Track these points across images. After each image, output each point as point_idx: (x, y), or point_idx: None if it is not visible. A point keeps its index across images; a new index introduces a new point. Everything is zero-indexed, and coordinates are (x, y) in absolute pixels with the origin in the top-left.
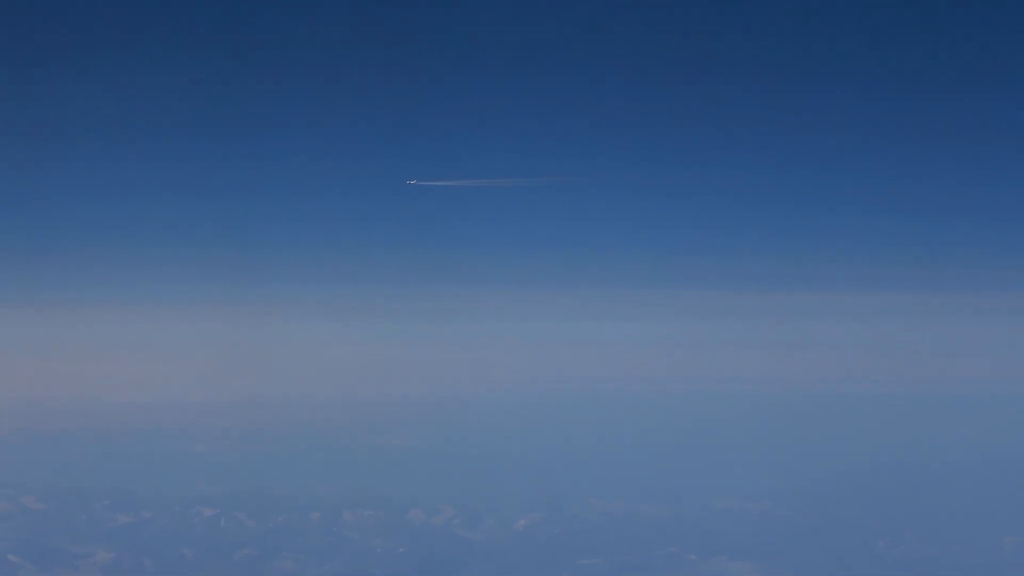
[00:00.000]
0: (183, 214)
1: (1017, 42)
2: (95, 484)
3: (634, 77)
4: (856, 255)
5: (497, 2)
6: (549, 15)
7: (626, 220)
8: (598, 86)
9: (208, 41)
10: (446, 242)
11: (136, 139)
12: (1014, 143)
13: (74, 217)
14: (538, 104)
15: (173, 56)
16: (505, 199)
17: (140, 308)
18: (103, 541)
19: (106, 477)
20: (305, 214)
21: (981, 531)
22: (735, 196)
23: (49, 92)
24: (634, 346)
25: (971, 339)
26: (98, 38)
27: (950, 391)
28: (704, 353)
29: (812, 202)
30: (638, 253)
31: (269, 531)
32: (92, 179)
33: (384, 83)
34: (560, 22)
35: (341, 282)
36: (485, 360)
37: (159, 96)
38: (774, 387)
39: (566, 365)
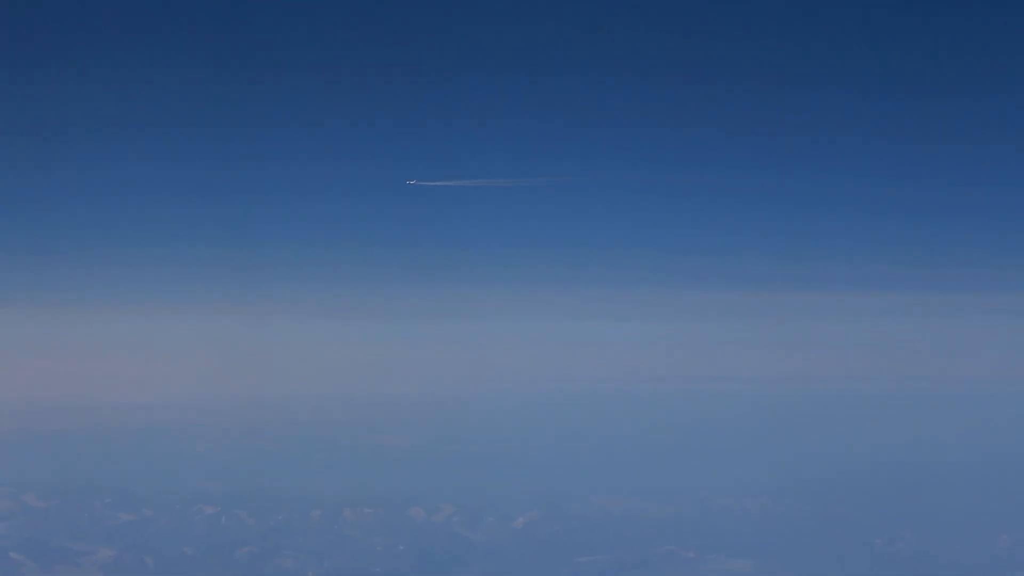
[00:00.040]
0: (184, 214)
1: (1017, 42)
2: (97, 482)
3: (634, 77)
4: (855, 255)
5: (497, 2)
6: (549, 15)
7: (626, 220)
8: (598, 86)
9: (209, 42)
10: (446, 242)
11: (137, 139)
12: (1014, 143)
13: (75, 217)
14: (538, 104)
15: (174, 57)
16: (505, 199)
17: (141, 308)
18: (105, 539)
19: (108, 475)
20: (305, 214)
21: (977, 529)
22: (735, 196)
23: (51, 93)
24: (633, 345)
25: (969, 339)
26: (99, 38)
27: (948, 390)
28: (702, 352)
29: (812, 202)
30: (637, 253)
31: (270, 529)
32: (94, 179)
33: (384, 83)
34: (560, 22)
35: (341, 282)
36: (485, 359)
37: (160, 97)
38: (772, 386)
39: (565, 364)
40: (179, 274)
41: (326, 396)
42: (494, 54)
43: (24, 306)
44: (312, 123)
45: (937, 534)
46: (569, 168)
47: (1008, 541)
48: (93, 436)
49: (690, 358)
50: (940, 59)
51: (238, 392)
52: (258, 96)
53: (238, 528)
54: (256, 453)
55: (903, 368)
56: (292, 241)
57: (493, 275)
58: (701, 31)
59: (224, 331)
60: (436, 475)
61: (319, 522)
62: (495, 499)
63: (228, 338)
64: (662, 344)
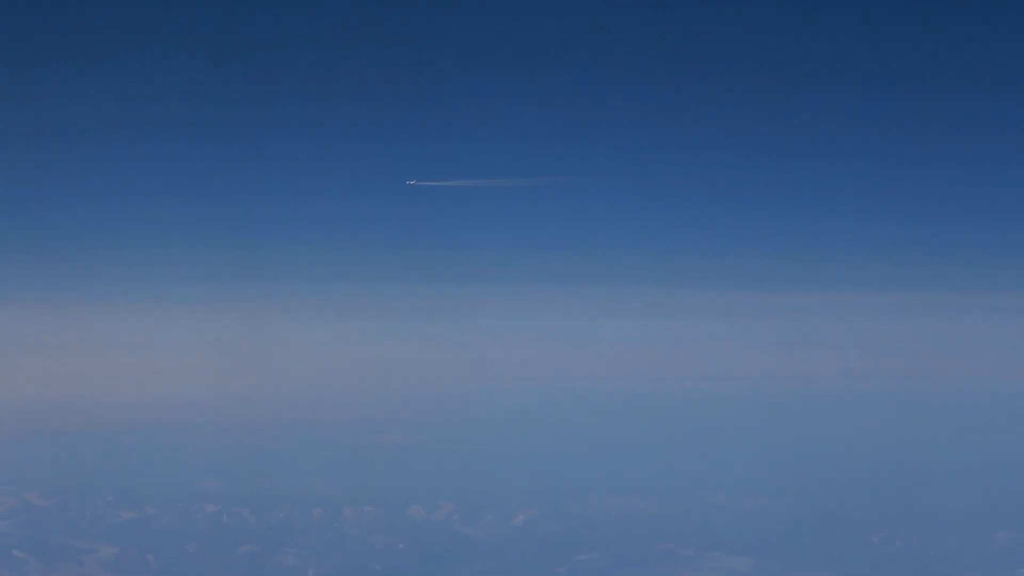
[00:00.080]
0: (185, 214)
1: (1017, 42)
2: (99, 481)
3: (633, 77)
4: (853, 255)
5: (497, 3)
6: (549, 16)
7: (625, 220)
8: (598, 86)
9: (209, 42)
10: (446, 242)
11: (139, 139)
12: (1014, 143)
13: (76, 217)
14: (538, 104)
15: (174, 57)
16: (505, 199)
17: (142, 307)
18: (107, 537)
19: (110, 474)
20: (305, 214)
21: (974, 527)
22: (735, 196)
23: (53, 94)
24: (631, 345)
25: (967, 339)
26: (99, 38)
27: (945, 390)
28: (701, 352)
29: (812, 202)
30: (636, 253)
31: (271, 527)
32: (96, 179)
33: (384, 83)
34: (560, 23)
35: (341, 281)
36: (484, 359)
37: (161, 97)
38: (770, 385)
39: (564, 364)
40: (180, 274)
41: (326, 395)
42: (494, 54)
43: (26, 305)
44: (312, 123)
45: (934, 533)
46: (569, 168)
47: (1005, 539)
48: (95, 435)
49: (689, 357)
50: (940, 59)
51: (239, 391)
52: (258, 96)
53: (239, 526)
54: (257, 452)
55: (901, 368)
56: (292, 241)
57: (492, 275)
58: (700, 31)
59: (225, 330)
60: (436, 474)
61: (320, 520)
62: (495, 497)
63: (229, 337)
64: (661, 344)
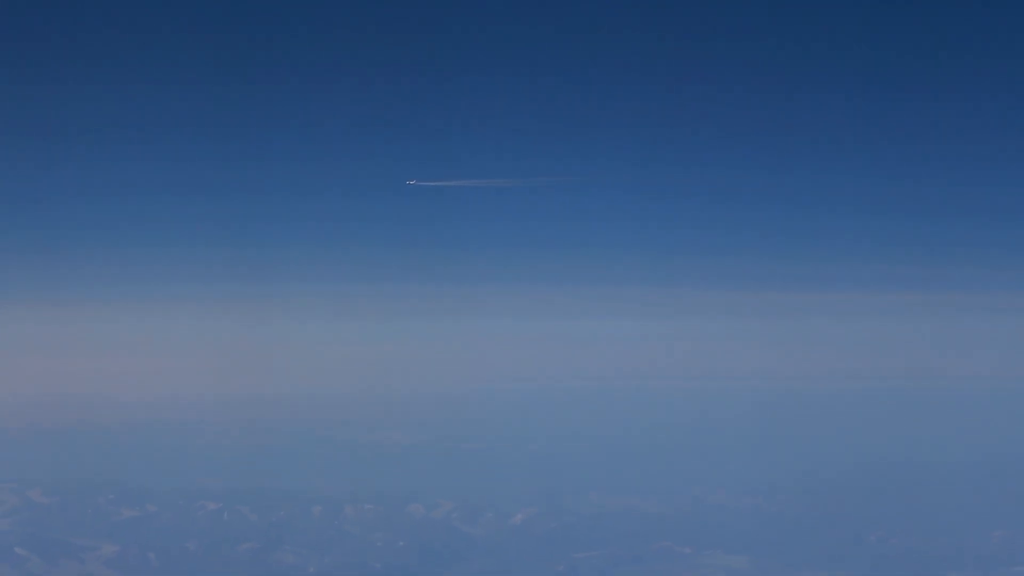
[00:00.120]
0: (186, 214)
1: (1017, 42)
2: (101, 479)
3: (633, 77)
4: (852, 255)
5: (497, 3)
6: (549, 16)
7: (625, 220)
8: (598, 86)
9: (209, 42)
10: (446, 242)
11: (141, 140)
12: (1014, 143)
13: (78, 217)
14: (538, 104)
15: (175, 57)
16: (505, 199)
17: (144, 306)
18: (108, 535)
19: (111, 472)
20: (306, 214)
21: (971, 525)
22: (734, 196)
23: (55, 95)
24: (630, 344)
25: (964, 338)
26: (100, 39)
27: (943, 389)
28: (699, 351)
29: (811, 202)
30: (635, 252)
31: (271, 525)
32: (98, 179)
33: (384, 83)
34: (560, 23)
35: (342, 281)
36: (484, 358)
37: (162, 97)
38: (767, 384)
39: (563, 363)
40: (182, 273)
41: (327, 394)
42: (494, 54)
43: (29, 304)
44: (312, 123)
45: (931, 531)
46: (569, 168)
47: (1001, 537)
48: (97, 433)
49: (687, 357)
50: (940, 59)
51: (240, 390)
52: (258, 96)
53: (240, 524)
54: (258, 450)
55: (899, 367)
56: (293, 240)
57: (492, 275)
58: (700, 31)
59: (226, 329)
60: (436, 472)
61: (320, 518)
62: (494, 496)
63: (230, 336)
64: (659, 343)
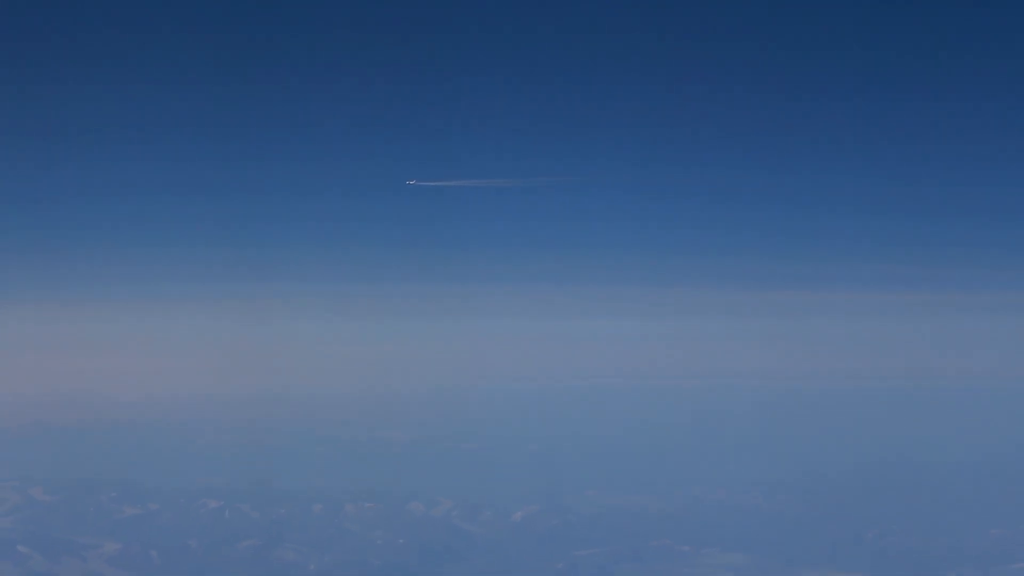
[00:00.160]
0: (187, 214)
1: (1017, 42)
2: (102, 477)
3: (633, 78)
4: (851, 255)
5: (498, 4)
6: (549, 16)
7: (625, 220)
8: (598, 86)
9: (210, 43)
10: (446, 242)
11: (143, 140)
12: (1014, 143)
13: (80, 216)
14: (538, 104)
15: (176, 57)
16: (505, 199)
17: (146, 305)
18: (110, 532)
19: (113, 470)
20: (307, 214)
21: (968, 523)
22: (735, 196)
23: (60, 95)
24: (629, 343)
25: (962, 338)
26: (101, 39)
27: (941, 388)
28: (698, 350)
29: (812, 202)
30: (635, 252)
31: (272, 523)
32: (101, 179)
33: (384, 83)
34: (560, 23)
35: (342, 281)
36: (484, 357)
37: (163, 97)
38: (766, 383)
39: (562, 362)
40: (182, 273)
41: (327, 393)
42: (494, 54)
43: (31, 303)
44: (312, 123)
45: (929, 529)
46: (569, 168)
47: (999, 536)
48: (99, 431)
49: (686, 356)
50: (940, 59)
51: (241, 388)
52: (259, 96)
53: (241, 522)
54: (259, 449)
55: (897, 367)
56: (294, 240)
57: (492, 274)
58: (700, 31)
59: (227, 329)
60: (435, 470)
61: (321, 516)
62: (494, 494)
63: (231, 336)
64: (658, 342)
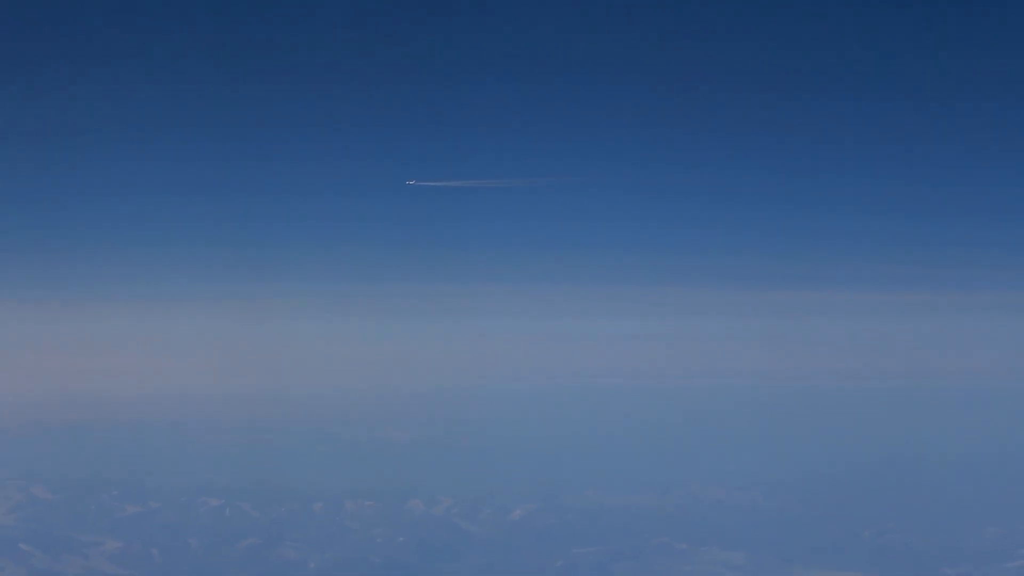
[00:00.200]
0: (189, 214)
1: (1017, 42)
2: (104, 475)
3: (633, 77)
4: (851, 255)
5: (498, 4)
6: (549, 16)
7: (625, 220)
8: (598, 86)
9: (211, 43)
10: (446, 242)
11: (145, 140)
12: (1014, 143)
13: (82, 216)
14: (538, 104)
15: (176, 57)
16: (505, 199)
17: (147, 304)
18: (112, 530)
19: (115, 469)
20: (307, 214)
21: (965, 521)
22: (735, 196)
23: (60, 97)
24: (628, 342)
25: (960, 337)
26: (101, 39)
27: (938, 387)
28: (697, 349)
29: (812, 202)
30: (634, 252)
31: (273, 521)
32: (104, 179)
33: (384, 83)
34: (560, 23)
35: (343, 280)
36: (483, 356)
37: (163, 97)
38: (764, 383)
39: (561, 361)
40: (183, 272)
41: (327, 392)
42: (494, 54)
43: (33, 303)
44: (313, 123)
45: (925, 527)
46: (569, 168)
47: (995, 533)
48: (101, 430)
49: (685, 355)
50: (940, 59)
51: (242, 387)
52: (259, 97)
53: (242, 520)
54: (259, 447)
55: (895, 366)
56: (294, 240)
57: (491, 274)
58: (700, 31)
59: (227, 328)
60: (435, 469)
61: (321, 514)
62: (493, 492)
63: (232, 335)
64: (657, 341)
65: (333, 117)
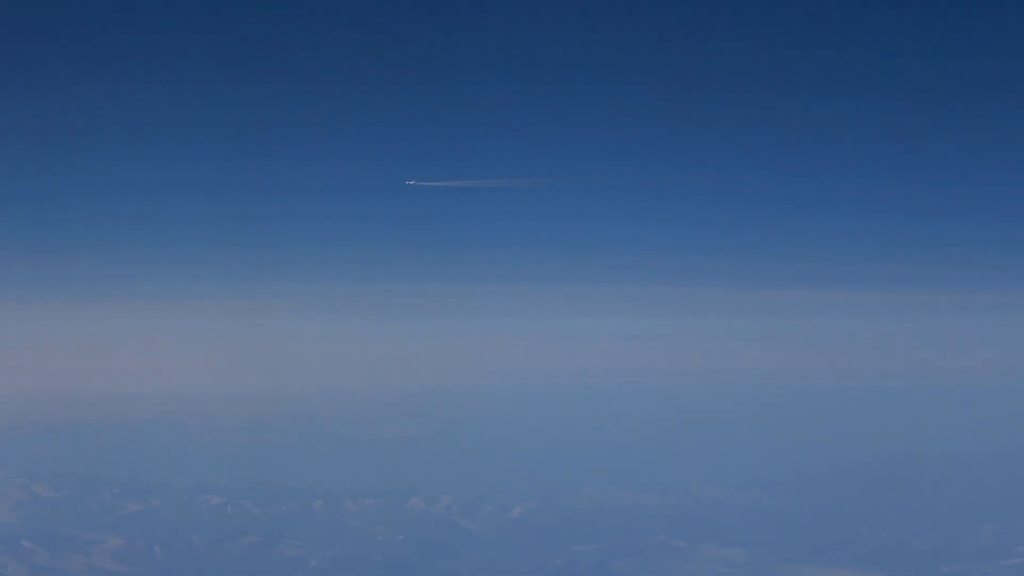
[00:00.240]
0: (190, 213)
1: (1017, 42)
2: (106, 473)
3: (634, 77)
4: (851, 255)
5: (498, 4)
6: (549, 16)
7: (625, 220)
8: (598, 86)
9: (211, 42)
10: (446, 242)
11: (147, 140)
12: (1014, 143)
13: (85, 215)
14: (537, 104)
15: (177, 57)
16: (505, 199)
17: (149, 304)
18: (114, 528)
19: (116, 467)
20: (308, 213)
21: (962, 519)
22: (735, 196)
23: (66, 98)
24: (627, 342)
25: (959, 337)
26: (102, 38)
27: (936, 386)
28: (696, 348)
29: (812, 202)
30: (634, 252)
31: (274, 519)
32: (106, 179)
33: (385, 84)
34: (560, 23)
35: (343, 280)
36: (483, 356)
37: (164, 97)
38: (763, 382)
39: (561, 360)
40: (185, 271)
41: (328, 391)
42: (494, 54)
43: (36, 302)
44: (313, 123)
45: (922, 524)
46: (569, 168)
47: (991, 531)
48: (103, 428)
49: (684, 354)
50: (940, 59)
51: (243, 386)
52: (260, 96)
53: (243, 518)
54: (260, 445)
55: (893, 365)
56: (295, 240)
57: (491, 274)
58: (700, 31)
59: (229, 327)
60: (435, 467)
61: (322, 512)
62: (492, 490)
63: (233, 334)
64: (657, 341)
65: (333, 117)
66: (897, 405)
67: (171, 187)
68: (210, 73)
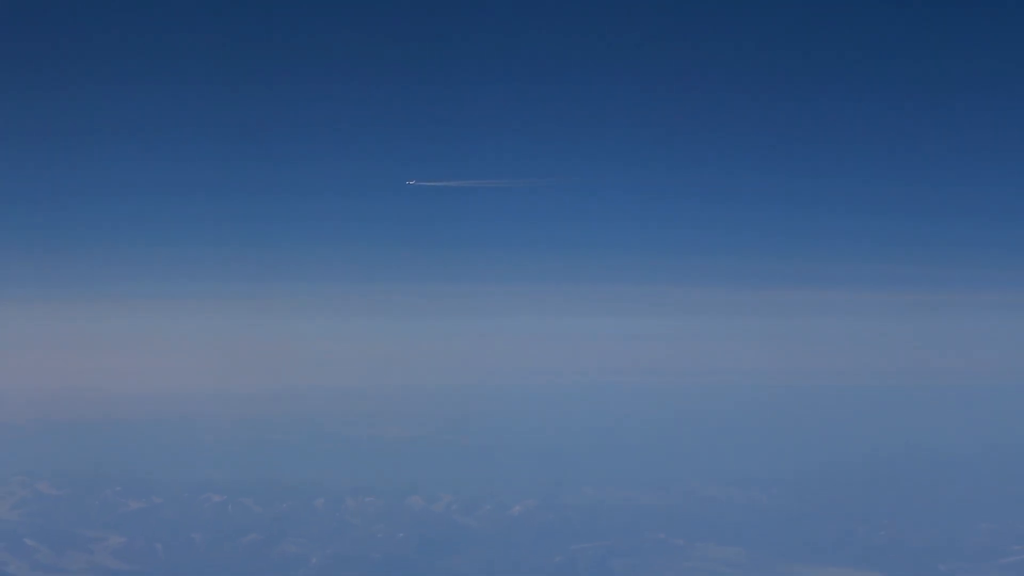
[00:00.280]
0: (191, 213)
1: (1017, 42)
2: (108, 471)
3: (634, 78)
4: (851, 254)
5: (498, 4)
6: (550, 17)
7: (625, 220)
8: (598, 87)
9: (212, 43)
10: (446, 242)
11: (149, 140)
12: (1014, 143)
13: (88, 215)
14: (538, 104)
15: (178, 57)
16: (505, 199)
17: (151, 303)
18: (116, 526)
19: (118, 465)
20: (308, 213)
21: (960, 518)
22: (735, 196)
23: (66, 98)
24: (627, 341)
25: (958, 336)
26: (102, 38)
27: (934, 386)
28: (696, 348)
29: (812, 202)
30: (634, 251)
31: (275, 517)
32: (108, 178)
33: (385, 84)
34: (560, 23)
35: (343, 279)
36: (483, 355)
37: (165, 97)
38: (763, 381)
39: (561, 360)
40: (187, 271)
41: (329, 390)
42: (494, 54)
43: (38, 301)
44: (313, 123)
45: (921, 523)
46: (569, 168)
47: (989, 530)
48: (105, 427)
49: (684, 354)
50: (940, 59)
51: (244, 385)
52: (260, 96)
53: (244, 516)
54: (261, 444)
55: (892, 364)
56: (296, 239)
57: (491, 273)
58: (700, 31)
59: (231, 326)
60: (435, 465)
61: (322, 510)
62: (492, 488)
63: (235, 333)
64: (656, 340)
65: (333, 117)
66: (896, 405)
67: (171, 187)
68: (210, 73)
